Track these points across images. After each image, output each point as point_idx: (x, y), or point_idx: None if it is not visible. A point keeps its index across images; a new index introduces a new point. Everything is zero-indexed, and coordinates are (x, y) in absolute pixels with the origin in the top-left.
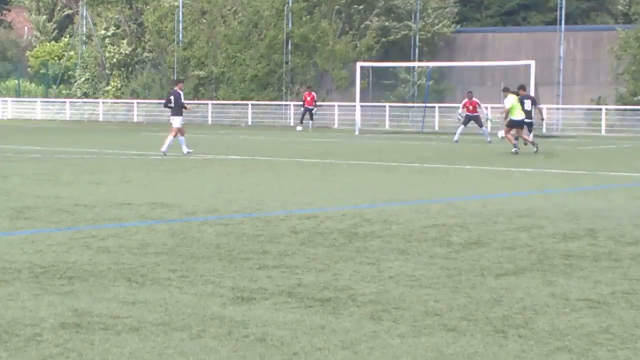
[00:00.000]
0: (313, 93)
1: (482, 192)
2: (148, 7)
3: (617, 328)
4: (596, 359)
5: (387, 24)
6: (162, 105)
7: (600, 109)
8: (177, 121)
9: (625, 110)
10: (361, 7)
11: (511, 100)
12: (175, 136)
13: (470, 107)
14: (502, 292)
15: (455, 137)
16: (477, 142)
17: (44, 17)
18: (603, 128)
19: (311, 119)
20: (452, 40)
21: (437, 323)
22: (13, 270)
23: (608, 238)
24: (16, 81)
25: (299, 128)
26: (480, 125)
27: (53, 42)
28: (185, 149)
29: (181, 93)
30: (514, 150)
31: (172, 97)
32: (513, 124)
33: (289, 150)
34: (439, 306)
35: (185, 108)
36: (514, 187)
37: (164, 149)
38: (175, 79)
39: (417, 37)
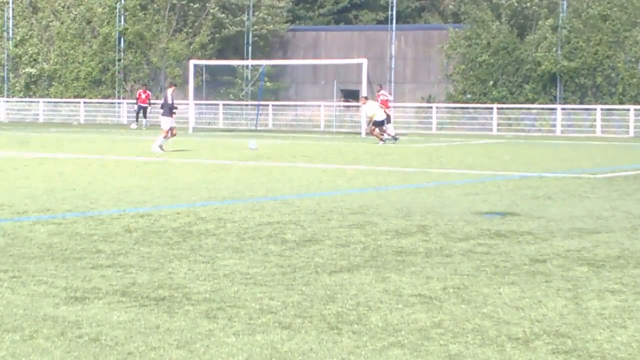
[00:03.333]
0: (148, 91)
1: (317, 189)
2: None
3: (449, 323)
4: (428, 354)
5: (221, 15)
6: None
7: (431, 107)
8: (165, 122)
9: (455, 108)
10: (196, 5)
11: (373, 106)
12: (166, 137)
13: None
14: (336, 289)
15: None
16: (312, 140)
17: None
18: (434, 126)
19: (145, 117)
20: (286, 39)
21: (272, 320)
22: None
23: (439, 234)
24: None
25: (133, 126)
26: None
27: None
28: (155, 147)
29: (170, 95)
30: (380, 143)
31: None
32: (378, 124)
33: (122, 149)
34: (274, 304)
35: (175, 109)
36: (348, 184)
37: (154, 149)
38: (6, 76)
39: (251, 34)
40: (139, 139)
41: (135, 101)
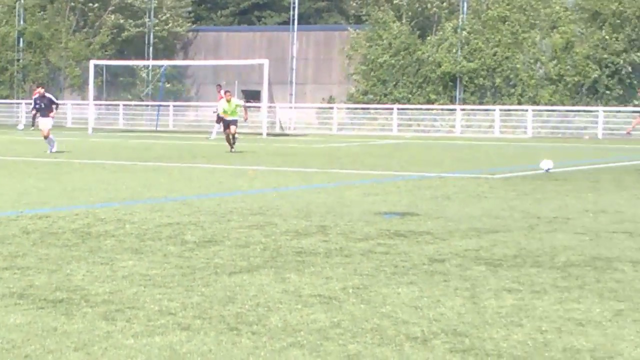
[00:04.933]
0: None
1: (217, 190)
2: None
3: (348, 323)
4: (327, 354)
5: (122, 21)
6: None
7: (332, 108)
8: (46, 123)
9: (355, 109)
10: (96, 5)
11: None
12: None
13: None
14: (235, 290)
15: (212, 135)
16: (214, 140)
17: None
18: (335, 126)
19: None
20: (187, 40)
21: (171, 322)
22: None
23: (339, 234)
24: None
25: (20, 127)
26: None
27: None
28: (53, 148)
29: (48, 96)
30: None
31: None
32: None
33: (20, 150)
34: (173, 305)
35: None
36: (249, 185)
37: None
38: None
39: (152, 35)
40: (39, 139)
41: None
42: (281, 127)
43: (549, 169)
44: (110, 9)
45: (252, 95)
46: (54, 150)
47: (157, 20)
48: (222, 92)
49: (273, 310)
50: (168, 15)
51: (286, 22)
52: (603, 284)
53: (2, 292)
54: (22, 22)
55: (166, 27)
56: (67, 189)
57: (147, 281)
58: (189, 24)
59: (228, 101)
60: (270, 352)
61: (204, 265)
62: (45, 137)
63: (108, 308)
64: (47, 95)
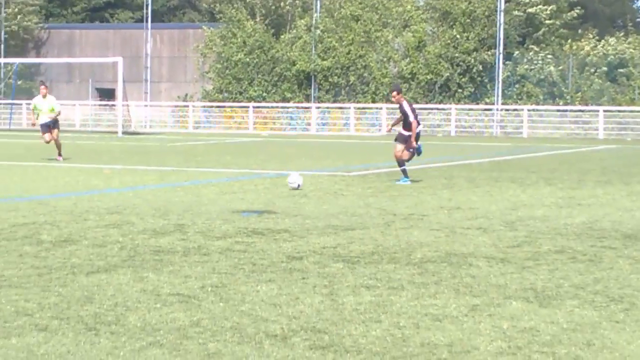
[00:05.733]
0: None
1: (73, 189)
2: None
3: (208, 321)
4: (187, 352)
5: None
6: None
7: (188, 106)
8: None
9: (211, 107)
10: None
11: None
12: None
13: None
14: (93, 290)
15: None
16: (68, 139)
17: None
18: (190, 125)
19: None
20: (40, 37)
21: (28, 323)
22: None
23: (197, 233)
24: None
25: None
26: None
27: None
28: None
29: None
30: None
31: None
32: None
33: None
34: (30, 306)
35: None
36: (105, 184)
37: None
38: None
39: (2, 32)
40: None
41: None
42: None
43: (299, 186)
44: None
45: (106, 94)
46: None
47: (5, 14)
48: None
49: (132, 309)
50: (17, 10)
51: (140, 20)
52: (459, 280)
53: None
54: None
55: (15, 21)
56: None
57: (3, 282)
58: (39, 20)
59: (44, 97)
60: (129, 352)
61: (60, 265)
62: None
63: None
64: None
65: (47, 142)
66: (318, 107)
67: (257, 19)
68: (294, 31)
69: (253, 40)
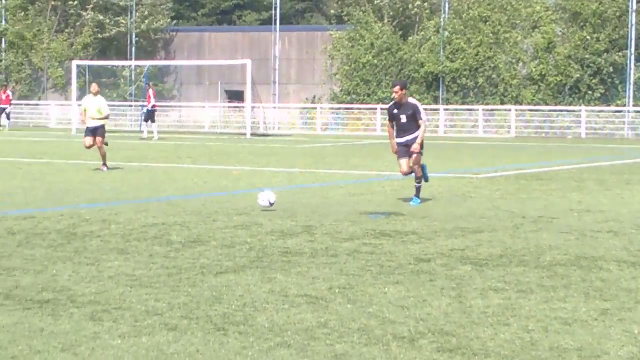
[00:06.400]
0: (9, 92)
1: (202, 190)
2: None
3: (335, 323)
4: (315, 354)
5: (101, 18)
6: None
7: (316, 108)
8: None
9: (339, 109)
10: (76, 2)
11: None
12: None
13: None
14: (222, 290)
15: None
16: (197, 141)
17: None
18: (319, 127)
19: (8, 118)
20: (169, 40)
21: (158, 322)
22: None
23: (325, 234)
24: None
25: None
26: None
27: None
28: None
29: None
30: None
31: None
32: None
33: (3, 150)
34: (160, 305)
35: None
36: (234, 185)
37: None
38: None
39: (134, 35)
40: (22, 140)
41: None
42: (265, 128)
43: (272, 204)
44: (89, 7)
45: (235, 96)
46: None
47: (138, 20)
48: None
49: (260, 310)
50: (147, 12)
51: (266, 22)
52: (589, 283)
53: None
54: (3, 23)
55: (145, 22)
56: (52, 190)
57: (134, 282)
58: (169, 21)
59: (95, 95)
60: (257, 352)
61: (190, 265)
62: None
63: (95, 309)
64: None
65: (87, 148)
66: (446, 109)
67: (385, 21)
68: (422, 33)
69: (381, 42)
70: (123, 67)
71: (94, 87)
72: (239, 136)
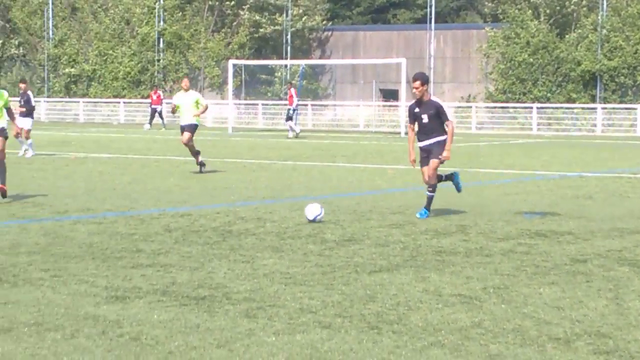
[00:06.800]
0: (159, 92)
1: (356, 189)
2: (16, 2)
3: (489, 322)
4: (468, 354)
5: (257, 17)
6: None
7: (471, 107)
8: (27, 123)
9: (494, 107)
10: (232, 2)
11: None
12: (27, 138)
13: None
14: (376, 289)
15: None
16: (351, 139)
17: None
18: (474, 125)
19: (161, 117)
20: (323, 38)
21: (311, 320)
22: None
23: (479, 234)
24: None
25: (146, 127)
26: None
27: None
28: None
29: (28, 94)
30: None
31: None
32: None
33: (161, 149)
34: (314, 303)
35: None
36: (388, 184)
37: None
38: (46, 76)
39: (289, 33)
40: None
41: (149, 102)
42: None
43: (315, 218)
44: (245, 7)
45: (389, 95)
46: (29, 155)
47: (294, 19)
48: (292, 90)
49: (413, 309)
50: (302, 12)
51: (420, 20)
52: None
53: (145, 289)
54: (161, 23)
55: (303, 25)
56: (207, 188)
57: (288, 279)
58: (324, 20)
59: (186, 91)
60: (411, 351)
61: (344, 264)
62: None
63: (249, 306)
64: (28, 92)
65: (185, 144)
66: (604, 108)
67: (541, 19)
68: (579, 31)
69: (537, 40)
70: (278, 66)
71: (185, 82)
72: (393, 135)
